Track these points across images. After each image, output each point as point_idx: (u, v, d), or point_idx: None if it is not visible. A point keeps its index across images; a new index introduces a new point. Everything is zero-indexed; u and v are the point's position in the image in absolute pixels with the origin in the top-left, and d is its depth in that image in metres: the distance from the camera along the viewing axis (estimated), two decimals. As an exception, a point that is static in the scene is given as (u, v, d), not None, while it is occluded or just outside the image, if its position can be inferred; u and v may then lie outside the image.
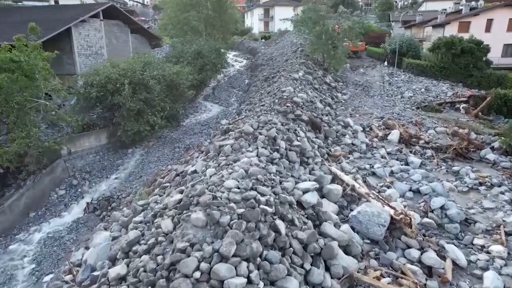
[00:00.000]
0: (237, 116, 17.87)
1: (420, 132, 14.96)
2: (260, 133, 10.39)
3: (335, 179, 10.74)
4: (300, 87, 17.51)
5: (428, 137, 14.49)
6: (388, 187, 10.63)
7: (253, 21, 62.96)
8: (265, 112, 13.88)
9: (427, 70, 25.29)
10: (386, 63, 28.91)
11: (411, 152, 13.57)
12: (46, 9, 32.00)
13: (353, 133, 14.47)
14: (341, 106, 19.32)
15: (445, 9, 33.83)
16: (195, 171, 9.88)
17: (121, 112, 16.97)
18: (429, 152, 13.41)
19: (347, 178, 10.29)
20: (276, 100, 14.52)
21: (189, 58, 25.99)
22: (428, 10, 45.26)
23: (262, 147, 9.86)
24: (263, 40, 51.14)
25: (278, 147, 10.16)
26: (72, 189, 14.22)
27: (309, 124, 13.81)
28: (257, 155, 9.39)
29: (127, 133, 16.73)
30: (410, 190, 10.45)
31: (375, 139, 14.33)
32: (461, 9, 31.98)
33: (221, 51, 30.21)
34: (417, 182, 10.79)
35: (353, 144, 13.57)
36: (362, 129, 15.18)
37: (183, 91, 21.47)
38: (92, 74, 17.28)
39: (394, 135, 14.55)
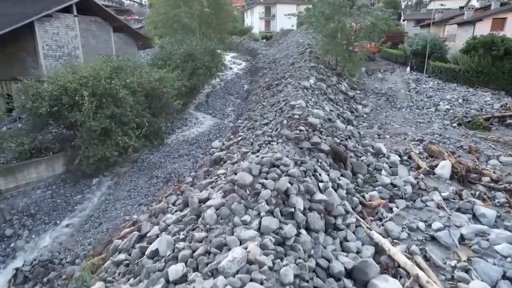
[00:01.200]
0: (232, 137, 13.99)
1: (479, 164, 11.03)
2: (264, 185, 6.51)
3: (379, 251, 6.98)
4: (313, 99, 13.61)
5: (493, 172, 10.57)
6: (467, 270, 6.71)
7: (253, 20, 59.12)
8: (269, 137, 9.99)
9: (460, 75, 21.36)
10: (409, 68, 24.94)
11: (473, 195, 9.65)
12: (8, 2, 27.92)
13: (390, 166, 10.54)
14: (363, 121, 15.41)
15: (472, 6, 29.92)
16: (156, 252, 6.06)
17: (81, 132, 13.09)
18: (500, 196, 9.51)
19: (405, 260, 6.40)
20: (285, 121, 10.62)
21: (177, 61, 22.10)
22: (438, 8, 41.35)
23: (268, 212, 6.04)
24: (264, 40, 47.27)
25: (292, 209, 6.32)
26: (2, 243, 10.29)
27: (330, 154, 9.92)
28: (258, 231, 5.57)
29: (88, 161, 12.81)
30: (504, 277, 6.54)
31: (421, 175, 10.41)
32: (490, 5, 28.09)
33: (216, 52, 26.33)
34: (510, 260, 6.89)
35: (393, 185, 9.63)
36: (399, 158, 11.27)
37: (168, 101, 17.56)
38: (43, 83, 13.38)
39: (445, 168, 10.62)
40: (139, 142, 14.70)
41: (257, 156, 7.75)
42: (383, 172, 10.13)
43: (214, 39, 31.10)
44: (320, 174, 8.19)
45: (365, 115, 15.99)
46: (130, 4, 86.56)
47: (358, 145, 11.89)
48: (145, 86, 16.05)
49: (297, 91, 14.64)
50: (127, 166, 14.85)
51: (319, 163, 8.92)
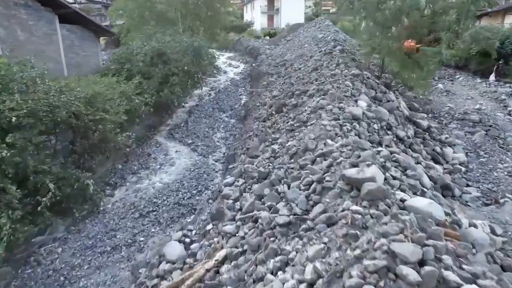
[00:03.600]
0: (210, 229, 6.60)
1: None
2: None
3: None
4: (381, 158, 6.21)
5: None
6: None
7: (254, 15, 51.70)
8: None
9: None
10: (493, 76, 17.35)
11: None
12: None
13: None
14: (466, 184, 7.96)
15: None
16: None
17: None
18: None
19: None
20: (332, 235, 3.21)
21: (140, 63, 14.67)
22: None
23: None
24: (267, 37, 39.83)
25: None
26: None
27: None
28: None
29: None
30: None
31: None
32: None
33: (204, 50, 18.90)
34: None
35: None
36: None
37: (105, 136, 10.10)
38: None
39: None
40: (26, 225, 7.26)
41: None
42: None
43: (202, 35, 23.67)
44: None
45: (462, 168, 8.55)
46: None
47: None
48: (57, 113, 8.60)
49: (342, 125, 7.33)
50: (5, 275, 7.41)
51: None
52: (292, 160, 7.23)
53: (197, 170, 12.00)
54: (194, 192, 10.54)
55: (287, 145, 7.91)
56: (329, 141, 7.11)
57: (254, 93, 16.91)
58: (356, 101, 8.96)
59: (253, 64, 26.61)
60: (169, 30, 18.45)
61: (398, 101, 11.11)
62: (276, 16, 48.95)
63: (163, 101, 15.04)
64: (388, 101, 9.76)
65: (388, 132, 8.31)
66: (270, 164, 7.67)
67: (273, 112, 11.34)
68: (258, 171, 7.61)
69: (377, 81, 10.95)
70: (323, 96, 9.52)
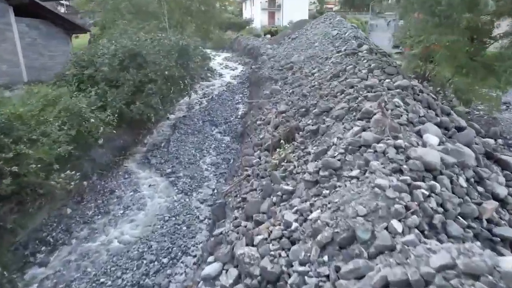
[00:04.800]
0: None
1: None
2: None
3: None
4: None
5: None
6: None
7: (254, 12, 48.16)
8: None
9: None
10: None
11: None
12: None
13: None
14: None
15: None
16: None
17: None
18: None
19: None
20: None
21: (105, 68, 11.25)
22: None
23: None
24: (268, 36, 36.35)
25: None
26: None
27: None
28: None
29: None
30: None
31: None
32: None
33: (193, 51, 15.45)
34: None
35: None
36: None
37: (28, 180, 6.66)
38: None
39: None
40: None
41: None
42: None
43: (193, 31, 20.18)
44: None
45: None
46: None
47: None
48: None
49: (410, 185, 3.96)
50: None
51: None
52: (326, 258, 3.85)
53: (173, 219, 8.55)
54: (165, 261, 7.10)
55: (311, 217, 4.50)
56: (394, 224, 3.74)
57: (253, 104, 13.46)
58: (419, 133, 5.53)
59: (253, 66, 23.15)
60: (149, 26, 14.99)
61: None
62: (278, 13, 45.40)
63: (135, 118, 11.60)
64: (460, 129, 6.34)
65: (480, 189, 4.90)
66: (283, 256, 4.26)
67: (281, 139, 7.90)
68: (262, 267, 4.21)
69: (433, 95, 7.53)
70: (361, 122, 6.09)
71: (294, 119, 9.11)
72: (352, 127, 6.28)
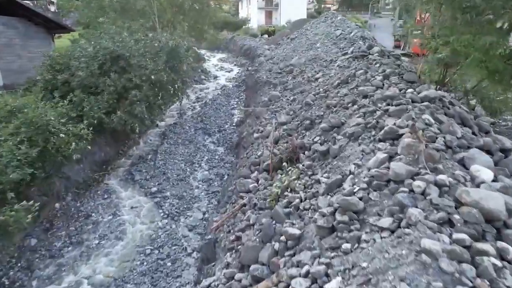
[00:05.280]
0: None
1: None
2: None
3: None
4: None
5: None
6: None
7: (251, 11, 46.85)
8: None
9: None
10: None
11: None
12: None
13: None
14: None
15: None
16: None
17: None
18: None
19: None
20: None
21: (81, 73, 9.94)
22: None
23: None
24: (266, 36, 35.09)
25: None
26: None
27: None
28: None
29: None
30: None
31: None
32: None
33: (183, 51, 14.14)
34: None
35: None
36: None
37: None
38: None
39: None
40: None
41: None
42: None
43: (185, 31, 18.83)
44: None
45: None
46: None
47: None
48: None
49: (470, 247, 2.63)
50: None
51: None
52: None
53: (156, 252, 7.28)
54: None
55: None
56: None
57: (250, 112, 12.20)
58: (462, 162, 4.30)
59: (249, 68, 21.90)
60: (135, 25, 13.63)
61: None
62: (275, 12, 44.12)
63: (116, 130, 10.31)
64: (504, 151, 5.13)
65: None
66: None
67: (282, 160, 6.65)
68: None
69: (465, 108, 6.33)
70: (384, 144, 4.87)
71: (297, 132, 7.87)
72: (372, 151, 5.05)
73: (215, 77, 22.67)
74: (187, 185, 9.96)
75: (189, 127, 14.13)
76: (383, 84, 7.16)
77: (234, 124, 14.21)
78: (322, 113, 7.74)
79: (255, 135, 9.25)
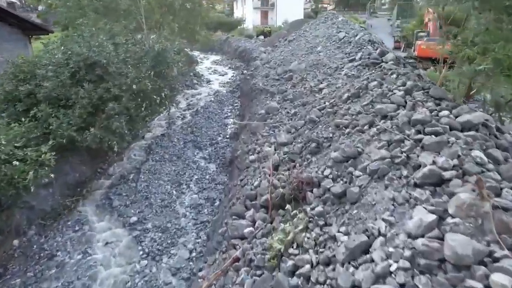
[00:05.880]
0: None
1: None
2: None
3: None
4: None
5: None
6: None
7: (246, 11, 45.48)
8: None
9: None
10: None
11: None
12: None
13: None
14: None
15: None
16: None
17: None
18: None
19: None
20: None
21: (47, 84, 8.55)
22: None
23: None
24: (261, 37, 33.78)
25: None
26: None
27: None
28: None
29: None
30: None
31: None
32: None
33: (172, 55, 12.78)
34: None
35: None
36: None
37: None
38: None
39: None
40: None
41: None
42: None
43: (176, 33, 17.44)
44: None
45: None
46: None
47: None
48: None
49: None
50: None
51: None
52: None
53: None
54: None
55: None
56: None
57: (246, 127, 10.87)
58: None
59: (244, 72, 20.58)
60: (118, 27, 12.24)
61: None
62: (271, 12, 42.80)
63: (93, 148, 8.94)
64: None
65: None
66: None
67: (285, 198, 5.36)
68: None
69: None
70: (424, 193, 3.61)
71: (300, 157, 6.58)
72: (407, 201, 3.77)
73: (208, 81, 21.32)
74: (172, 212, 8.62)
75: (178, 139, 12.77)
76: (406, 102, 5.88)
77: (227, 136, 12.89)
78: (330, 135, 6.46)
79: (251, 157, 7.93)
